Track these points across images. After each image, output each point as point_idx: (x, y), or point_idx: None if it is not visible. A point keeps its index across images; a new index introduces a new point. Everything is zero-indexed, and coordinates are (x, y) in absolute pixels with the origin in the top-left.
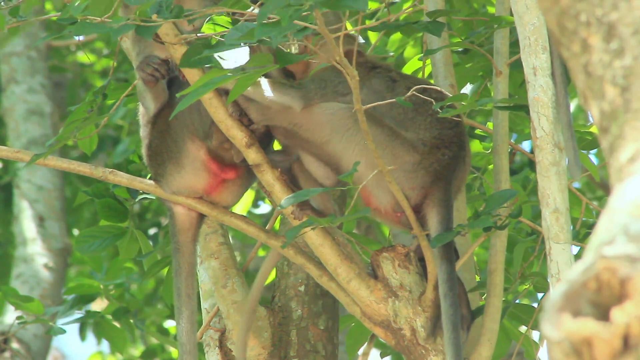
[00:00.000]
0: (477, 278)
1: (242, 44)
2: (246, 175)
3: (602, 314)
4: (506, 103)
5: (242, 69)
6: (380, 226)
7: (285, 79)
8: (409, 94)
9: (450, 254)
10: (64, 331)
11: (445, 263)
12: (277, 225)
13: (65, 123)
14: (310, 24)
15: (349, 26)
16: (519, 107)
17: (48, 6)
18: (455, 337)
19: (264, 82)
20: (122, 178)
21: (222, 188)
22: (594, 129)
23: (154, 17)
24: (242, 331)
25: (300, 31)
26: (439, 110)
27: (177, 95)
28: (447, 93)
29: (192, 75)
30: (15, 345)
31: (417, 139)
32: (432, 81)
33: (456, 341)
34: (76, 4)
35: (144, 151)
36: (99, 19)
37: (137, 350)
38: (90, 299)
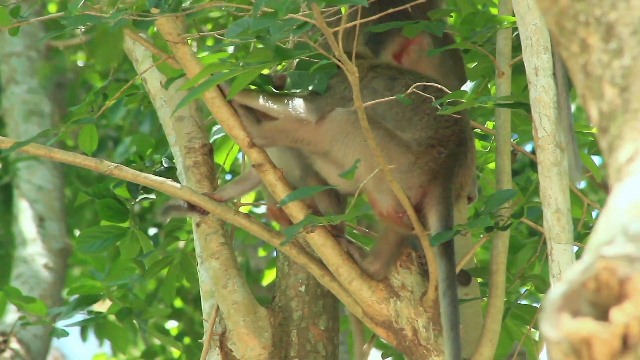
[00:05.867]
0: (479, 280)
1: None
2: None
3: (601, 314)
4: (506, 100)
5: (241, 64)
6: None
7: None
8: (408, 91)
9: (450, 252)
10: (67, 334)
11: (444, 261)
12: (276, 225)
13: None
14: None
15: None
16: (520, 105)
17: (51, 8)
18: (455, 335)
19: (276, 96)
20: (127, 173)
21: None
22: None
23: (153, 10)
24: None
25: (299, 27)
26: (438, 107)
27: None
28: (447, 90)
29: (192, 71)
30: (15, 345)
31: (412, 140)
32: None
33: (455, 339)
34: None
35: None
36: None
37: (137, 351)
38: (93, 300)
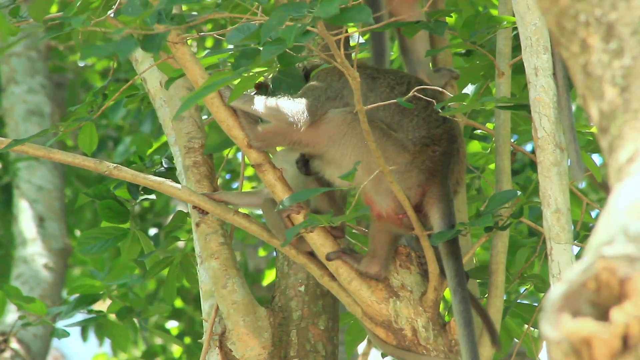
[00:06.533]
0: (478, 280)
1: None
2: None
3: (602, 314)
4: (508, 102)
5: (245, 69)
6: None
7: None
8: (409, 95)
9: (456, 250)
10: (67, 334)
11: (452, 259)
12: None
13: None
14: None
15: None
16: (521, 107)
17: (52, 8)
18: (469, 333)
19: (268, 100)
20: (127, 174)
21: None
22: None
23: (157, 26)
24: None
25: (302, 35)
26: (425, 108)
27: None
28: (443, 90)
29: (193, 75)
30: (15, 345)
31: (407, 139)
32: None
33: (470, 336)
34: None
35: None
36: (98, 29)
37: (138, 351)
38: (93, 299)
